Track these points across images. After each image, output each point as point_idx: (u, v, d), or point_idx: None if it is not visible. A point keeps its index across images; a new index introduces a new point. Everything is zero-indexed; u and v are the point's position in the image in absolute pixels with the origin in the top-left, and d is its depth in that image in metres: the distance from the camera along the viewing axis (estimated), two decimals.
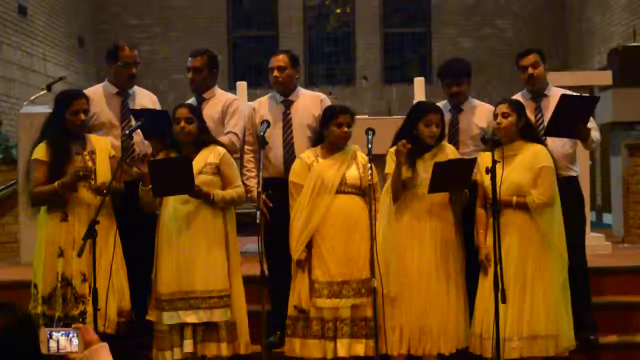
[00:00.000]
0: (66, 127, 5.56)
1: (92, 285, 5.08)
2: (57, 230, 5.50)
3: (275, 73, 6.22)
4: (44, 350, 2.66)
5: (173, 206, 5.59)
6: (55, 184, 5.42)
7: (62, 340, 2.68)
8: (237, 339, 5.63)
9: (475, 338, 5.61)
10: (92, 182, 5.51)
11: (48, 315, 5.43)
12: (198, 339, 5.54)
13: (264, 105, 6.31)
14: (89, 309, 5.30)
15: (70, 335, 2.68)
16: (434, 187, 5.46)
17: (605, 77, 8.47)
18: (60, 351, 2.67)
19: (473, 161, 5.64)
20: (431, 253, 5.62)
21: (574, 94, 6.11)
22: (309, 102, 6.23)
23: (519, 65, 6.19)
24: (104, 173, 5.57)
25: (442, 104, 6.14)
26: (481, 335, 5.55)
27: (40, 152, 5.55)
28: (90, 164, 5.57)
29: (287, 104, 6.26)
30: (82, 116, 5.57)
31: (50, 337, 2.67)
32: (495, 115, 5.72)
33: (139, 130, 5.81)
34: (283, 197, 5.74)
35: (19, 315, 2.44)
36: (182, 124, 5.61)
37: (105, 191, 5.35)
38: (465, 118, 6.21)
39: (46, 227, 5.54)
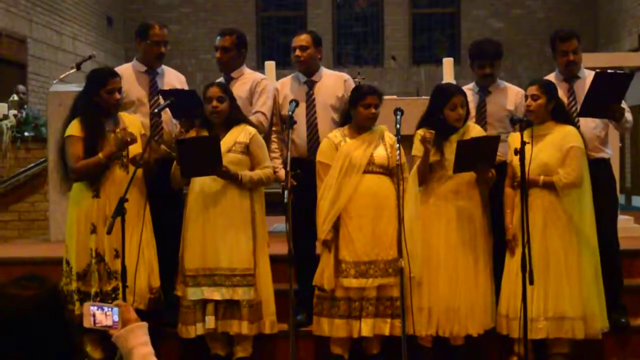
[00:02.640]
0: (99, 104, 5.58)
1: (122, 262, 5.11)
2: (89, 207, 5.53)
3: (297, 52, 6.23)
4: (86, 324, 2.70)
5: (201, 183, 5.61)
6: (100, 154, 5.44)
7: (100, 315, 2.72)
8: (262, 318, 5.66)
9: (501, 318, 5.61)
10: (125, 158, 5.55)
11: (83, 292, 5.48)
12: (220, 315, 5.58)
13: (287, 86, 6.32)
14: (120, 285, 5.35)
15: (111, 311, 2.72)
16: (458, 166, 5.45)
17: (636, 58, 8.43)
18: (99, 325, 2.71)
19: (497, 138, 5.62)
20: (458, 234, 5.62)
21: (609, 71, 6.04)
22: (333, 83, 6.22)
23: (557, 48, 6.08)
24: (135, 150, 5.59)
25: (469, 86, 6.11)
26: (508, 316, 5.55)
27: (75, 128, 5.56)
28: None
29: (310, 84, 6.26)
30: (117, 95, 5.60)
31: (91, 311, 2.70)
32: (526, 97, 5.69)
33: (167, 109, 5.83)
34: (306, 177, 5.75)
35: (48, 286, 2.47)
36: (215, 103, 5.62)
37: (140, 161, 5.39)
38: (493, 100, 6.16)
39: (79, 204, 5.58)
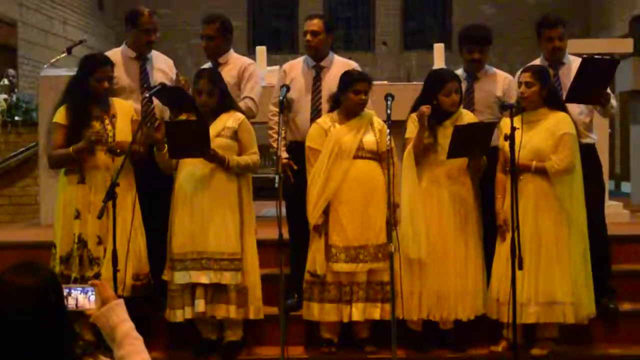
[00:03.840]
0: (89, 91, 5.59)
1: (112, 248, 5.11)
2: (74, 193, 5.56)
3: (308, 37, 6.21)
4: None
5: (189, 168, 5.62)
6: (70, 148, 5.47)
7: (80, 297, 2.72)
8: (247, 304, 5.68)
9: (492, 302, 5.64)
10: (108, 143, 5.55)
11: (65, 275, 5.47)
12: (208, 299, 5.60)
13: (296, 68, 6.31)
14: (103, 271, 5.38)
15: (88, 292, 2.72)
16: (453, 151, 5.47)
17: (627, 45, 8.42)
18: (79, 308, 2.71)
19: (493, 125, 5.64)
20: (449, 218, 5.65)
21: (595, 56, 6.05)
22: (341, 70, 6.15)
23: (543, 34, 6.10)
24: (123, 135, 5.59)
25: (457, 72, 6.12)
26: (498, 300, 5.59)
27: (60, 115, 5.58)
28: (109, 127, 5.59)
29: (319, 70, 6.24)
30: (106, 84, 5.59)
31: (69, 294, 2.71)
32: (519, 84, 5.70)
33: (156, 98, 5.84)
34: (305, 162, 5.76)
35: (46, 273, 2.47)
36: (204, 98, 5.63)
37: (118, 151, 5.43)
38: (482, 86, 6.16)
39: (64, 189, 5.61)
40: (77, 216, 5.53)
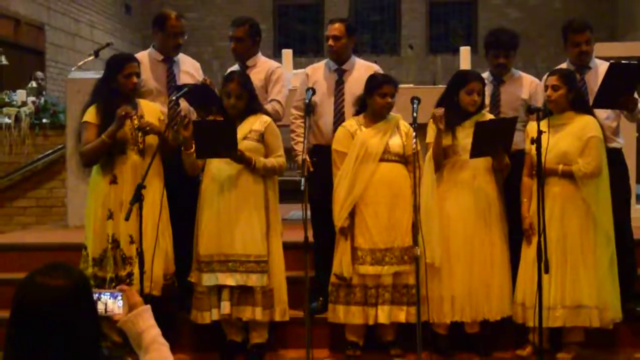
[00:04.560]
0: (117, 90, 5.62)
1: (140, 248, 5.15)
2: (106, 193, 5.57)
3: (330, 42, 6.22)
4: None
5: (215, 169, 5.64)
6: (103, 136, 5.48)
7: (109, 302, 2.74)
8: (273, 306, 5.69)
9: (517, 307, 5.63)
10: (142, 144, 5.60)
11: (99, 277, 5.51)
12: (234, 301, 5.61)
13: (318, 72, 6.33)
14: (135, 270, 5.39)
15: (117, 297, 2.74)
16: (476, 149, 5.46)
17: None
18: (107, 313, 2.73)
19: (514, 120, 5.63)
20: (475, 221, 5.64)
21: (622, 62, 6.03)
22: (363, 73, 6.17)
23: (569, 39, 6.08)
24: (150, 137, 5.62)
25: (483, 75, 6.11)
26: (524, 304, 5.57)
27: (90, 114, 5.60)
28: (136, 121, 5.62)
29: (341, 73, 6.26)
30: (135, 79, 5.62)
31: (98, 298, 2.73)
32: (546, 87, 5.69)
33: (184, 99, 5.86)
34: (330, 164, 5.77)
35: (76, 274, 2.49)
36: (233, 100, 5.64)
37: (148, 129, 5.51)
38: (507, 89, 6.17)
39: (96, 189, 5.62)
40: (110, 216, 5.55)
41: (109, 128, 5.47)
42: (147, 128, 5.55)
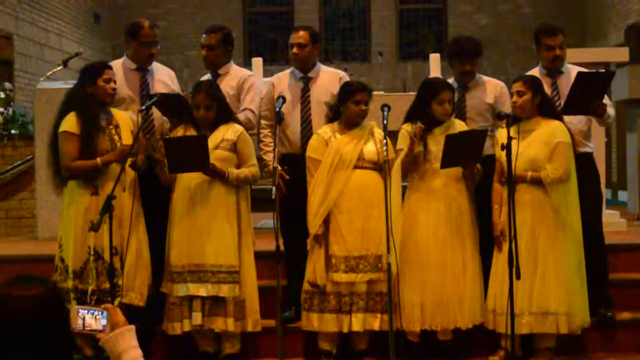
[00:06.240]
0: (94, 96, 5.59)
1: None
2: (88, 205, 5.51)
3: (295, 50, 6.20)
4: (74, 328, 2.69)
5: (187, 179, 5.61)
6: (98, 160, 5.45)
7: (90, 319, 2.71)
8: (245, 316, 5.67)
9: (489, 313, 5.64)
10: (115, 135, 5.62)
11: (80, 289, 5.46)
12: (206, 312, 5.59)
13: (284, 81, 6.30)
14: (120, 282, 5.36)
15: (99, 315, 2.71)
16: (446, 161, 5.47)
17: (622, 54, 8.45)
18: (86, 329, 2.71)
19: (484, 132, 5.65)
20: (446, 228, 5.64)
21: (590, 70, 6.08)
22: (328, 80, 6.19)
23: (542, 43, 6.09)
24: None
25: (449, 81, 6.12)
26: (495, 311, 5.58)
27: (70, 123, 5.53)
28: (116, 137, 5.59)
29: (306, 81, 6.24)
30: (114, 84, 5.61)
31: (80, 315, 2.70)
32: (511, 94, 5.71)
33: (155, 108, 5.84)
34: (299, 173, 5.76)
35: (49, 285, 2.48)
36: (202, 112, 5.63)
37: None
38: (473, 95, 6.17)
39: (77, 201, 5.55)
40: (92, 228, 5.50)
41: (105, 156, 5.47)
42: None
